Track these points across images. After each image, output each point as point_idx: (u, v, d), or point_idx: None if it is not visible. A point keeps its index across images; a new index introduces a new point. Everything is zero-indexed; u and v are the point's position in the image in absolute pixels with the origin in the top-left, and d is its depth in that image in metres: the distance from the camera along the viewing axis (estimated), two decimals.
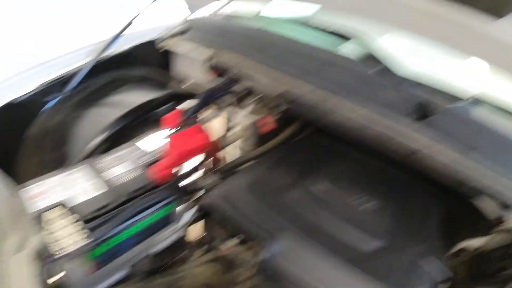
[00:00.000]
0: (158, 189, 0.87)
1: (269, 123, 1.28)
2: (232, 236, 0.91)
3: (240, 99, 1.39)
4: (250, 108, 1.36)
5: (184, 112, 1.05)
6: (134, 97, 1.27)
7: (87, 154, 1.13)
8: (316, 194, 0.98)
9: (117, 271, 0.82)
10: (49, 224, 0.73)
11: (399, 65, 1.19)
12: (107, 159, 0.91)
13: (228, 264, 0.88)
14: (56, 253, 0.68)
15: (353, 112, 0.96)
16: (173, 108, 1.04)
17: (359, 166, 1.14)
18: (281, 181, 0.99)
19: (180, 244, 0.94)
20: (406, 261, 0.82)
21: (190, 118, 1.04)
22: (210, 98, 1.20)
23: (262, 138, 1.42)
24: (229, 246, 0.91)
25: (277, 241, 0.81)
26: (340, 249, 0.83)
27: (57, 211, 0.75)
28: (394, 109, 0.94)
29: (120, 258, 0.81)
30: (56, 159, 1.18)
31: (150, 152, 0.96)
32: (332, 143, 1.21)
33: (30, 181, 0.82)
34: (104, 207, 0.79)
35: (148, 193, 0.85)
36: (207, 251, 0.96)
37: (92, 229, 0.74)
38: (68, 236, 0.71)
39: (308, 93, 1.03)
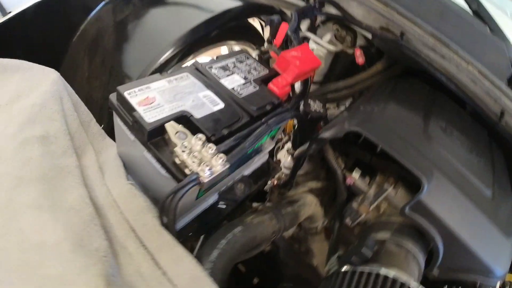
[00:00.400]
0: (285, 109, 0.69)
1: (359, 56, 1.09)
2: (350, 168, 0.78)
3: (321, 25, 1.18)
4: (328, 37, 1.16)
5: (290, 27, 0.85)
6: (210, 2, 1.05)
7: (156, 69, 0.93)
8: (444, 135, 0.83)
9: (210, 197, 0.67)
10: (171, 142, 0.55)
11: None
12: (210, 70, 0.72)
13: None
14: (188, 178, 0.51)
15: (458, 66, 0.87)
16: (278, 22, 0.83)
17: (457, 116, 0.99)
18: (411, 116, 0.82)
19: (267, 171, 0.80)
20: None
21: (295, 36, 0.84)
22: (301, 18, 1.00)
23: (344, 70, 1.24)
24: (351, 176, 0.77)
25: (430, 179, 0.67)
26: (470, 192, 0.73)
27: (176, 126, 0.57)
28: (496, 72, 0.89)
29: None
30: (110, 73, 0.97)
31: (257, 67, 0.77)
32: (428, 89, 1.05)
33: (126, 85, 0.62)
34: (234, 124, 0.61)
35: (276, 111, 0.68)
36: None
37: (226, 152, 0.57)
38: (201, 159, 0.53)
39: (416, 35, 0.90)
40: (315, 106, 0.82)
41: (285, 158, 0.88)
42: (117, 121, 0.63)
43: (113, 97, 0.61)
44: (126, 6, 0.98)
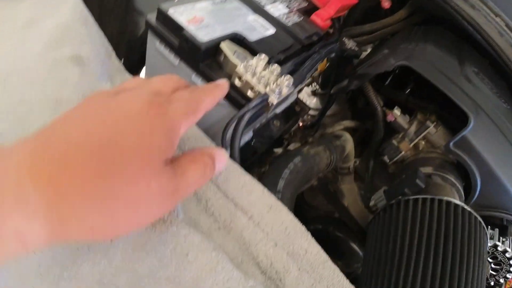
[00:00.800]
0: (331, 40, 0.64)
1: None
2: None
3: None
4: None
5: None
6: None
7: None
8: (478, 79, 0.81)
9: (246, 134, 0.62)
10: (227, 63, 0.49)
11: None
12: None
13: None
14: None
15: (486, 17, 0.84)
16: None
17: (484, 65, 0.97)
18: (448, 58, 0.79)
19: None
20: None
21: None
22: None
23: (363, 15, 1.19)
24: (392, 113, 0.73)
25: (476, 116, 0.66)
26: (508, 135, 0.71)
27: (233, 46, 0.51)
28: None
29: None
30: (127, 4, 0.87)
31: None
32: (453, 37, 1.02)
33: (166, 3, 0.54)
34: (287, 49, 0.55)
35: (323, 42, 0.63)
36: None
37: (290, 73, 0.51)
38: (267, 80, 0.47)
39: None
40: (350, 44, 0.78)
41: (310, 99, 0.84)
42: (154, 46, 0.55)
43: (151, 17, 0.54)
44: None
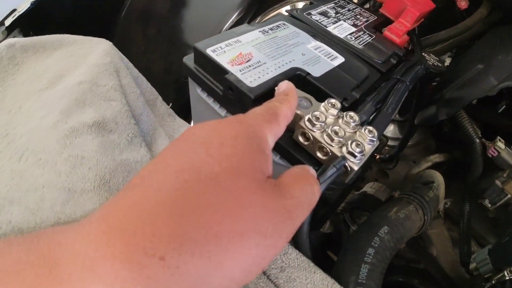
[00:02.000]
0: (413, 61, 0.49)
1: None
2: None
3: None
4: None
5: None
6: None
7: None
8: None
9: None
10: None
11: None
12: (309, 17, 0.51)
13: None
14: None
15: None
16: None
17: None
18: None
19: None
20: None
21: None
22: None
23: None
24: (494, 147, 0.55)
25: None
26: None
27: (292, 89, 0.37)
28: None
29: None
30: (170, 42, 0.78)
31: (362, 12, 0.56)
32: None
33: (205, 41, 0.42)
34: (363, 82, 0.41)
35: (404, 65, 0.47)
36: None
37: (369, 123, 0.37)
38: (343, 135, 0.33)
39: None
40: (431, 59, 0.61)
41: (387, 128, 0.68)
42: (195, 92, 0.44)
43: (188, 59, 0.42)
44: None
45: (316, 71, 0.40)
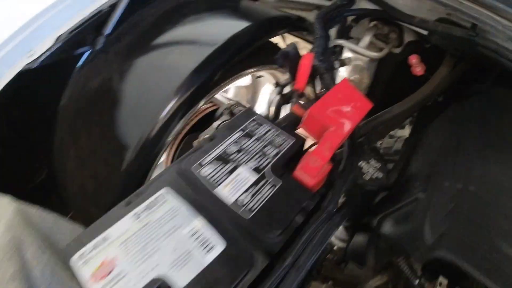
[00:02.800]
0: (324, 216, 0.43)
1: (417, 65, 0.76)
2: None
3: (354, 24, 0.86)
4: (366, 40, 0.84)
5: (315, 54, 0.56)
6: (209, 30, 0.77)
7: (159, 129, 0.68)
8: None
9: None
10: None
11: None
12: (200, 172, 0.47)
13: None
14: None
15: None
16: (294, 55, 0.55)
17: None
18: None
19: None
20: None
21: (326, 66, 0.56)
22: (328, 26, 0.70)
23: (392, 74, 0.92)
24: None
25: None
26: None
27: None
28: None
29: None
30: (108, 143, 0.74)
31: (275, 135, 0.51)
32: None
33: (77, 238, 0.39)
34: (245, 276, 0.37)
35: (318, 214, 0.43)
36: None
37: None
38: None
39: (497, 25, 0.58)
40: (370, 169, 0.55)
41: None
42: None
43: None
44: (103, 65, 0.74)
45: (182, 278, 0.36)
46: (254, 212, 0.42)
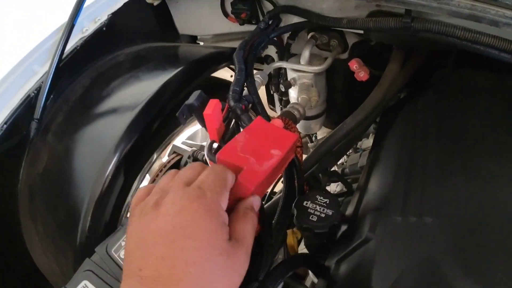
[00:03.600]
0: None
1: (359, 69, 0.69)
2: None
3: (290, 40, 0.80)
4: (307, 53, 0.77)
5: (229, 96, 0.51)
6: (138, 87, 0.74)
7: (100, 196, 0.64)
8: None
9: None
10: None
11: None
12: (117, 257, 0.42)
13: None
14: None
15: None
16: (198, 104, 0.49)
17: None
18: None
19: None
20: None
21: (244, 104, 0.51)
22: (250, 57, 0.65)
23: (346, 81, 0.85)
24: None
25: None
26: None
27: None
28: None
29: None
30: (60, 219, 0.72)
31: None
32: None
33: None
34: None
35: None
36: None
37: None
38: None
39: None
40: (317, 207, 0.48)
41: None
42: None
43: None
44: (43, 148, 0.72)
45: None
46: None
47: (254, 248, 0.36)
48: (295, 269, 0.43)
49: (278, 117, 0.53)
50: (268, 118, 0.57)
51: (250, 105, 0.55)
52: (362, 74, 0.66)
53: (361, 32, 0.70)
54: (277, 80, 0.85)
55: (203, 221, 0.30)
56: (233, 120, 0.52)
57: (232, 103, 0.50)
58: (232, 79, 0.59)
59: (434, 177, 0.44)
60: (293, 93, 0.82)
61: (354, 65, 0.66)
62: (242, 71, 0.57)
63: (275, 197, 0.67)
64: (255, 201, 0.37)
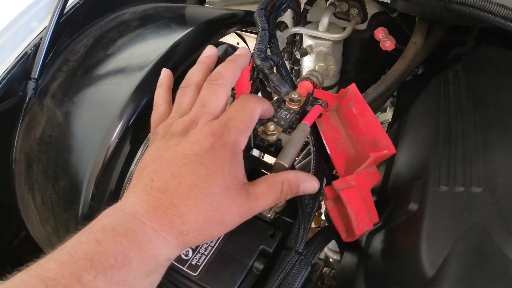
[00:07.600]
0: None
1: (385, 39, 0.65)
2: None
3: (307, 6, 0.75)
4: (325, 21, 0.72)
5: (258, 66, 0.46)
6: (145, 48, 0.67)
7: (110, 158, 0.58)
8: None
9: None
10: None
11: None
12: None
13: None
14: None
15: None
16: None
17: None
18: None
19: None
20: None
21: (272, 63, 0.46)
22: (271, 17, 0.59)
23: (362, 53, 0.81)
24: None
25: None
26: None
27: None
28: None
29: None
30: (60, 190, 0.66)
31: None
32: None
33: None
34: None
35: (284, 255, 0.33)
36: None
37: None
38: None
39: None
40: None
41: None
42: None
43: None
44: (40, 113, 0.65)
45: None
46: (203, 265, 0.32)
47: (289, 217, 0.35)
48: (331, 241, 0.39)
49: (305, 80, 0.49)
50: (292, 81, 0.53)
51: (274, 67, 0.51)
52: (388, 44, 0.62)
53: (385, 1, 0.66)
54: (291, 48, 0.80)
55: (221, 157, 0.32)
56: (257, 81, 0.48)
57: (258, 62, 0.45)
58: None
59: (475, 148, 0.41)
60: (307, 62, 0.77)
61: (380, 33, 0.62)
62: (265, 30, 0.52)
63: (303, 161, 0.63)
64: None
